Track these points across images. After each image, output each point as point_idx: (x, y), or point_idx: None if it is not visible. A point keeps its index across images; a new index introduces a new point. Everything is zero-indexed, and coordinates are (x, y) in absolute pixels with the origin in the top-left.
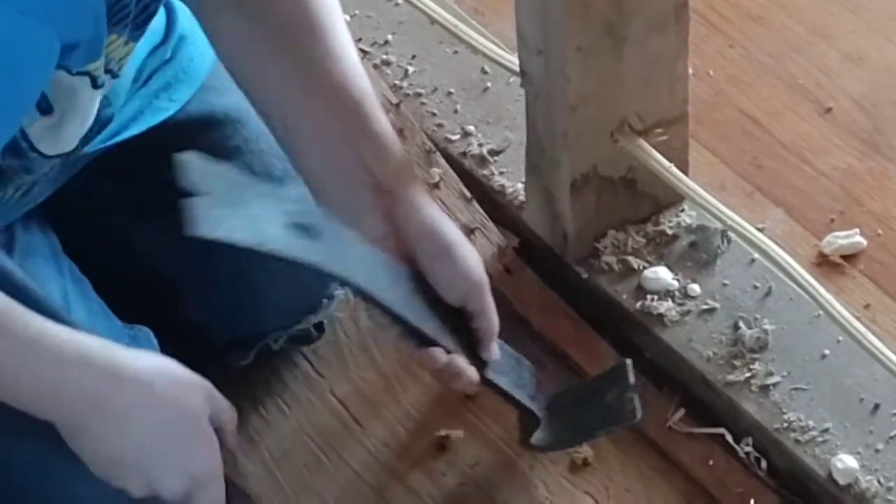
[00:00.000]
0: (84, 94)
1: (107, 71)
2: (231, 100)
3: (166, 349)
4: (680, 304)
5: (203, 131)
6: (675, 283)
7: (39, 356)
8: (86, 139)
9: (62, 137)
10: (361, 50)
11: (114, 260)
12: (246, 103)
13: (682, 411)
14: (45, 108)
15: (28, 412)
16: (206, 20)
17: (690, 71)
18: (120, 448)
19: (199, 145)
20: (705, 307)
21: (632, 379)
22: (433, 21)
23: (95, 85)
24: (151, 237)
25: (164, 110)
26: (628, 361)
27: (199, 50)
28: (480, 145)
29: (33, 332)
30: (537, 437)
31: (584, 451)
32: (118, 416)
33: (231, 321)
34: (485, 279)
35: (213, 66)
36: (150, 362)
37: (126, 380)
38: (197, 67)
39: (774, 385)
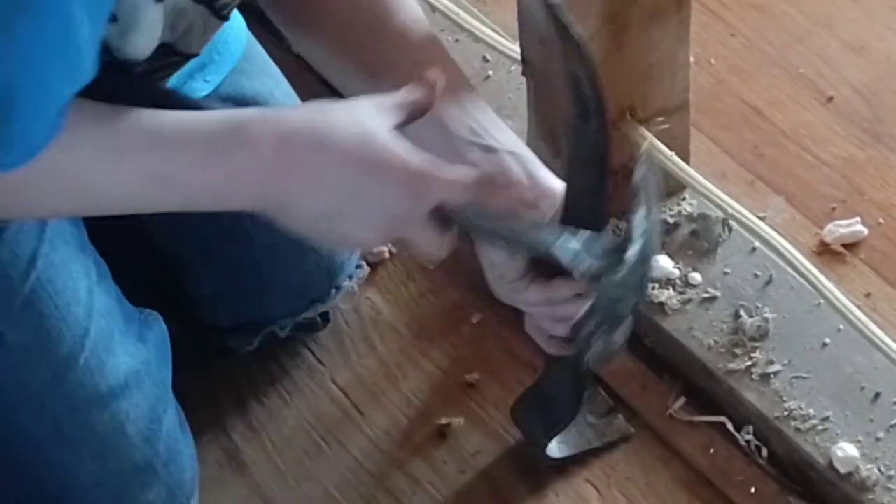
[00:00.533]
0: (144, 6)
1: None
2: (259, 84)
3: (172, 330)
4: (681, 293)
5: None
6: (676, 272)
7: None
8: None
9: (129, 44)
10: None
11: (124, 238)
12: (273, 89)
13: (682, 399)
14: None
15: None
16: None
17: (692, 59)
18: (320, 216)
19: None
20: (706, 295)
21: (611, 401)
22: (434, 9)
23: None
24: (169, 215)
25: (198, 91)
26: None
27: (234, 33)
28: None
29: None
30: (553, 447)
31: None
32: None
33: (240, 303)
34: None
35: (245, 49)
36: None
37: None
38: (232, 49)
39: (775, 373)
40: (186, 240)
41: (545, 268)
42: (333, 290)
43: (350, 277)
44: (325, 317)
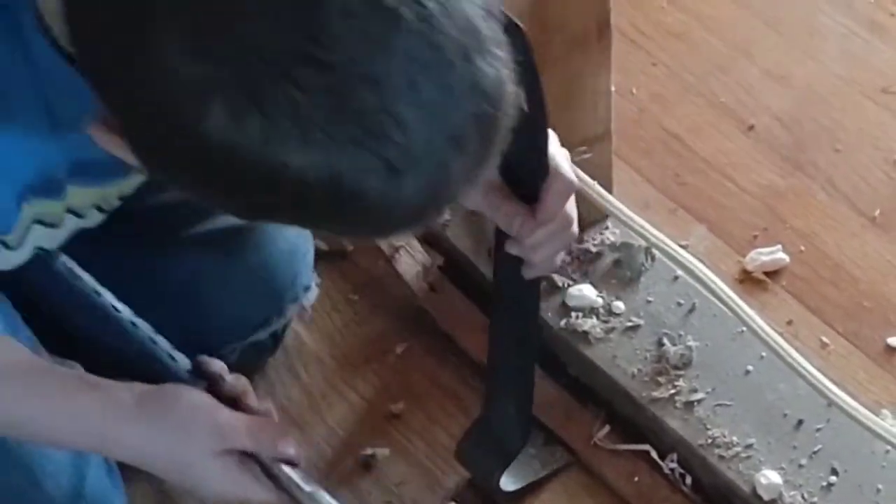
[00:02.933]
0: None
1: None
2: None
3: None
4: (604, 322)
5: None
6: (600, 301)
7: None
8: None
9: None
10: None
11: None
12: None
13: (606, 428)
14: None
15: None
16: None
17: (613, 89)
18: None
19: None
20: (629, 324)
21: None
22: None
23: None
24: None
25: None
26: None
27: None
28: None
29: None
30: (505, 481)
31: None
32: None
33: (180, 334)
34: None
35: None
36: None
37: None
38: None
39: (699, 401)
40: (121, 266)
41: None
42: (275, 316)
43: (295, 300)
44: (275, 337)
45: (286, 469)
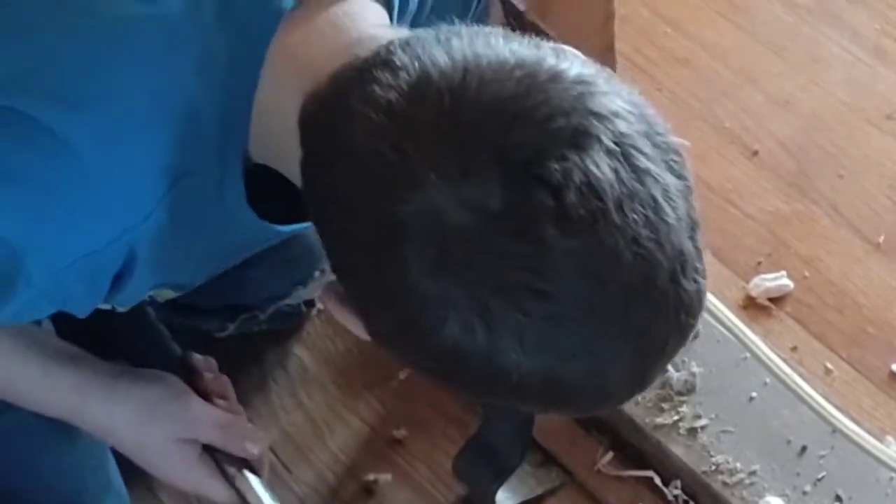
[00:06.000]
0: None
1: None
2: None
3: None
4: None
5: None
6: None
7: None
8: None
9: None
10: None
11: None
12: None
13: (610, 454)
14: None
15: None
16: None
17: None
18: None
19: None
20: None
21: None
22: None
23: None
24: None
25: None
26: None
27: None
28: None
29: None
30: (501, 497)
31: None
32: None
33: (215, 291)
34: None
35: None
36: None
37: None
38: None
39: (702, 428)
40: None
41: None
42: (317, 273)
43: None
44: (308, 303)
45: (248, 474)
